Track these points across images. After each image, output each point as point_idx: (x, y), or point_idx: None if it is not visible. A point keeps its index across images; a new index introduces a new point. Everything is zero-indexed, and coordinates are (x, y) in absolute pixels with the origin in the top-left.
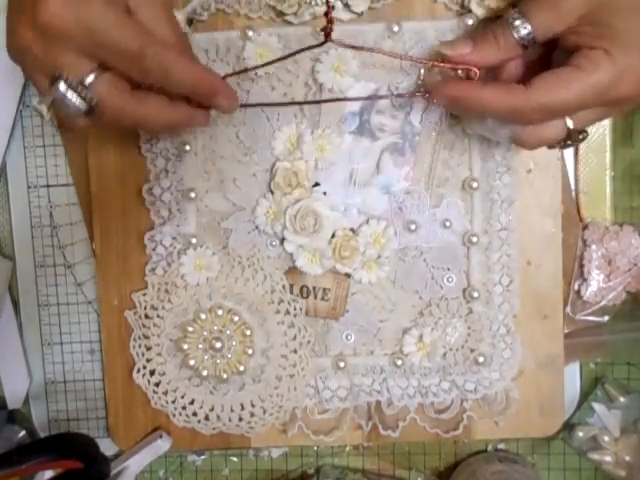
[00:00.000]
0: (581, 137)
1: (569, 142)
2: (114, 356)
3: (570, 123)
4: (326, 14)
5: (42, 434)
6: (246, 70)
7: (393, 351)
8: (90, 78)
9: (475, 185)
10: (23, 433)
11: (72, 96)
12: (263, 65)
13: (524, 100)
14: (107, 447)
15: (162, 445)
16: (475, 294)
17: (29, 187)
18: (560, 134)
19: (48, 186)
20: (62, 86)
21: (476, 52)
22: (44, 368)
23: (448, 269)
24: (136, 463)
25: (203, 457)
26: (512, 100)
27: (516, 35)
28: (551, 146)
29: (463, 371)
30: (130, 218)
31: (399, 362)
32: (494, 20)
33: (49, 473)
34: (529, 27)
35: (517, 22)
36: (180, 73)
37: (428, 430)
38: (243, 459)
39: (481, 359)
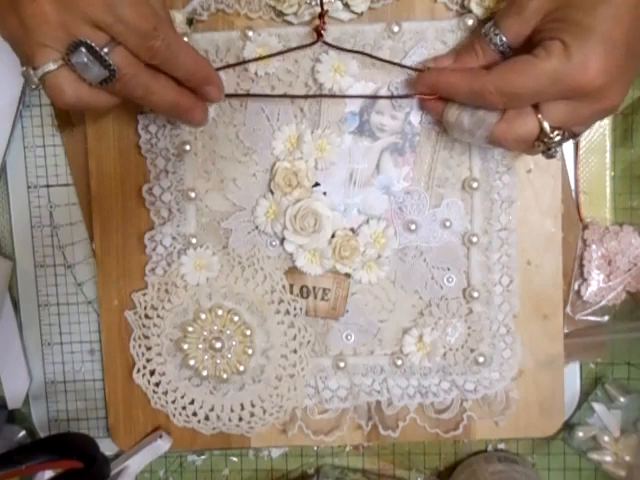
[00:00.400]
0: (557, 136)
1: (547, 141)
2: (114, 356)
3: (542, 119)
4: (320, 15)
5: (42, 434)
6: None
7: (393, 351)
8: (106, 49)
9: (475, 185)
10: (23, 433)
11: (93, 62)
12: (249, 61)
13: (483, 82)
14: (107, 447)
15: (162, 445)
16: (475, 294)
17: (29, 187)
18: (533, 131)
19: (48, 186)
20: (84, 52)
21: (457, 63)
22: (44, 368)
23: (448, 269)
24: (136, 463)
25: (203, 457)
26: (473, 81)
27: (492, 44)
28: (530, 150)
29: (463, 371)
30: (130, 218)
31: (399, 362)
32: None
33: (49, 473)
34: (501, 35)
35: (490, 32)
36: (184, 57)
37: (428, 430)
38: (243, 459)
39: (481, 359)
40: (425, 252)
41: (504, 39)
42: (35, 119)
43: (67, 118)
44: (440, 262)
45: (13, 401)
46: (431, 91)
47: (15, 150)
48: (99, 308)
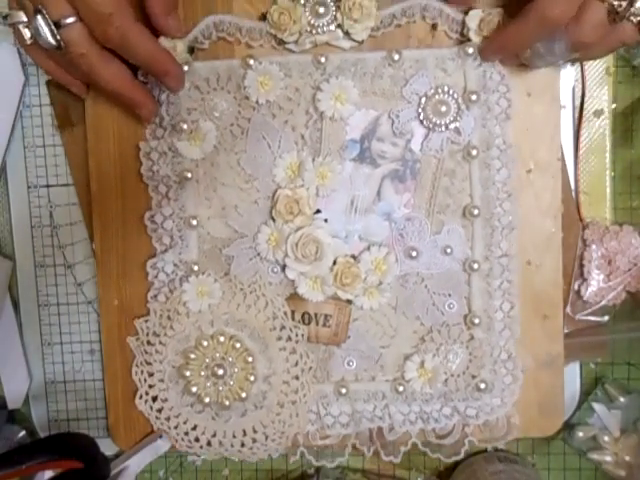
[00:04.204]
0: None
1: (620, 10)
2: (114, 356)
3: None
4: None
5: (42, 434)
6: None
7: (395, 377)
8: (69, 20)
9: (476, 212)
10: (23, 433)
11: (45, 30)
12: None
13: (539, 15)
14: (107, 447)
15: (162, 445)
16: (476, 320)
17: (29, 187)
18: (600, 11)
19: (48, 186)
20: (40, 19)
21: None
22: (44, 368)
23: (449, 295)
24: (136, 463)
25: (203, 457)
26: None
27: None
28: (616, 34)
29: (464, 397)
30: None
31: (401, 388)
32: None
33: (49, 473)
34: None
35: None
36: (142, 48)
37: (430, 455)
38: None
39: (482, 385)
40: (426, 278)
41: None
42: (35, 119)
43: (67, 118)
44: (441, 288)
45: (13, 401)
46: (502, 53)
47: (15, 150)
48: (99, 308)
